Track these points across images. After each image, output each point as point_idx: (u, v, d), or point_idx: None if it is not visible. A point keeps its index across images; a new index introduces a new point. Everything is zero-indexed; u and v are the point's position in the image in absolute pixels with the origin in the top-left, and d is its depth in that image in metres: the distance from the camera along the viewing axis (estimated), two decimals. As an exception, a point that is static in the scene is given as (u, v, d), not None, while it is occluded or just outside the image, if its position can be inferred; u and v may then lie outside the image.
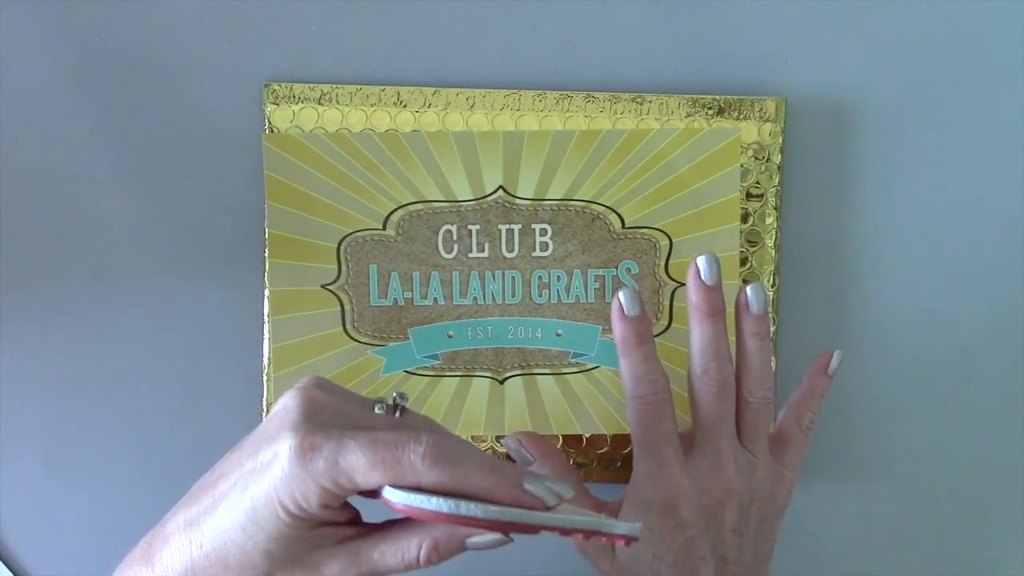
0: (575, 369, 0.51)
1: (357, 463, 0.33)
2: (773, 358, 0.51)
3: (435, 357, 0.50)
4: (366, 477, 0.33)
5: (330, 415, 0.35)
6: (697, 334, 0.45)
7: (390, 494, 0.33)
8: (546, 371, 0.51)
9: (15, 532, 0.52)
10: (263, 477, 0.33)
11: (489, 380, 0.50)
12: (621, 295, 0.45)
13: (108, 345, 0.51)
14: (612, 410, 0.50)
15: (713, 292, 0.45)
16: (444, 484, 0.33)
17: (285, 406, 0.35)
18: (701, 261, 0.45)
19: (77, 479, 0.52)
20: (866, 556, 0.53)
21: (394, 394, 0.38)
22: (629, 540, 0.35)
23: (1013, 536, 0.53)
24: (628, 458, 0.51)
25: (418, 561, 0.35)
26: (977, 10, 0.52)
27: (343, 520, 0.36)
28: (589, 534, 0.35)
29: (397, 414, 0.37)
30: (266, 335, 0.50)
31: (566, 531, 0.34)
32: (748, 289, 0.46)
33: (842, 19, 0.52)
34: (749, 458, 0.45)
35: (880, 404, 0.53)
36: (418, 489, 0.33)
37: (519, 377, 0.50)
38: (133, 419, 0.52)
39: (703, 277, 0.45)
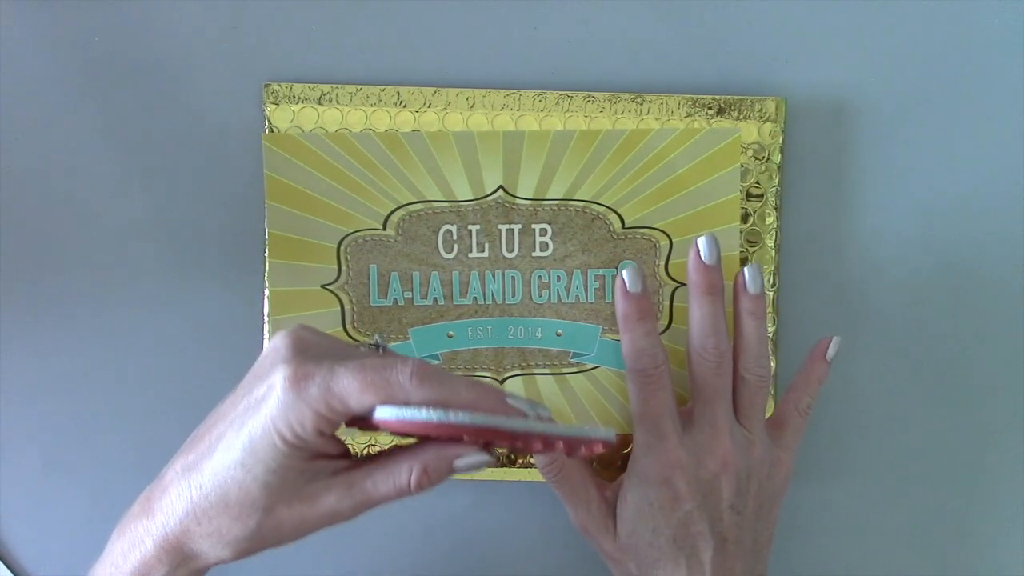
0: (575, 369, 0.51)
1: (349, 386, 0.34)
2: (773, 358, 0.51)
3: (435, 357, 0.50)
4: (358, 399, 0.35)
5: (318, 351, 0.36)
6: (696, 312, 0.46)
7: (383, 412, 0.35)
8: (546, 371, 0.51)
9: (15, 532, 0.52)
10: (259, 410, 0.35)
11: (489, 380, 0.50)
12: (624, 273, 0.47)
13: (108, 345, 0.51)
14: (612, 410, 0.50)
15: (712, 271, 0.46)
16: (432, 400, 0.35)
17: (275, 346, 0.37)
18: (701, 242, 0.46)
19: (77, 479, 0.52)
20: (865, 556, 0.53)
21: (375, 336, 0.41)
22: (606, 444, 0.37)
23: (1013, 536, 0.53)
24: (628, 459, 0.51)
25: (409, 486, 0.36)
26: (977, 10, 0.52)
27: (336, 453, 0.37)
28: (570, 443, 0.37)
29: (380, 352, 0.40)
30: (266, 335, 0.50)
31: (549, 440, 0.36)
32: (746, 270, 0.47)
33: (842, 19, 0.52)
34: (746, 434, 0.46)
35: (880, 404, 0.53)
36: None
37: (519, 377, 0.50)
38: (133, 419, 0.52)
39: (703, 257, 0.46)
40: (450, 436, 0.36)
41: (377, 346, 0.41)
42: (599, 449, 0.37)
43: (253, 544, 0.36)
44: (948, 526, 0.53)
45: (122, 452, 0.52)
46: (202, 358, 0.52)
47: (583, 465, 0.48)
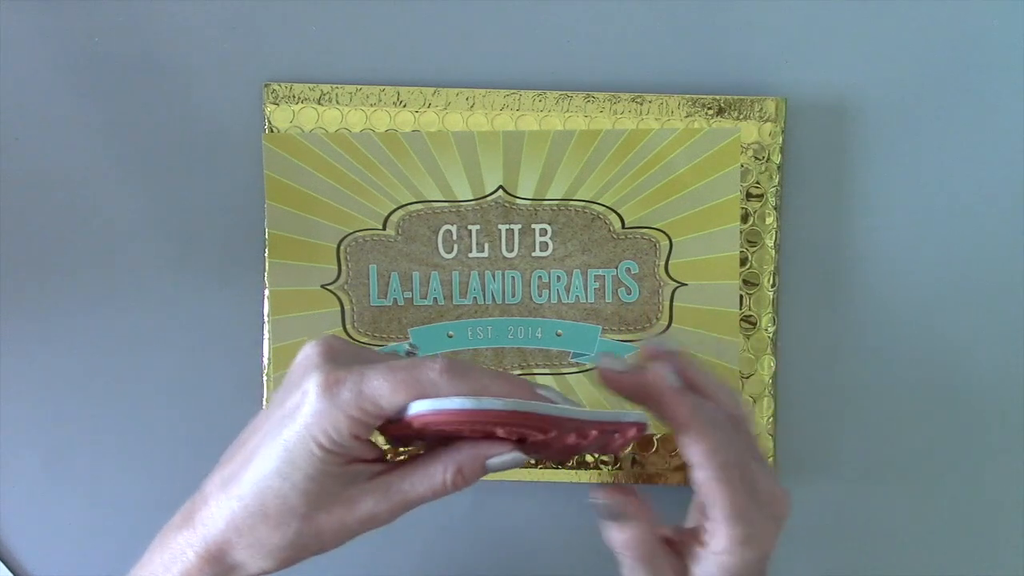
0: (575, 369, 0.51)
1: (380, 388, 0.35)
2: (773, 358, 0.51)
3: (435, 357, 0.50)
4: (390, 399, 0.35)
5: (348, 358, 0.37)
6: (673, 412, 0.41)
7: (417, 407, 0.35)
8: (546, 371, 0.51)
9: (15, 532, 0.52)
10: (294, 419, 0.35)
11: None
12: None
13: (108, 345, 0.51)
14: (612, 410, 0.50)
15: (633, 375, 0.41)
16: (463, 394, 0.35)
17: (306, 354, 0.37)
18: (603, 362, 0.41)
19: (77, 479, 0.52)
20: (865, 556, 0.53)
21: (407, 343, 0.42)
22: (640, 427, 0.37)
23: (1013, 536, 0.53)
24: (627, 459, 0.51)
25: (444, 486, 0.37)
26: (977, 10, 0.52)
27: (372, 457, 0.37)
28: (604, 428, 0.37)
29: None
30: (266, 335, 0.50)
31: (583, 429, 0.36)
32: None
33: (842, 19, 0.52)
34: None
35: (880, 404, 0.53)
36: None
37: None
38: (133, 419, 0.52)
39: (617, 370, 0.41)
40: (484, 428, 0.36)
41: (408, 354, 0.41)
42: (633, 434, 0.37)
43: (294, 553, 0.37)
44: (948, 526, 0.53)
45: (122, 452, 0.52)
46: (202, 358, 0.52)
47: (663, 548, 0.42)
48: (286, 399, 0.36)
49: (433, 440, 0.38)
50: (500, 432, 0.36)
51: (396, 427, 0.36)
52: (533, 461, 0.39)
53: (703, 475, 0.39)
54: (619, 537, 0.41)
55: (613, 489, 0.41)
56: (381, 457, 0.38)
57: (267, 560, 0.37)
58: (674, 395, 0.39)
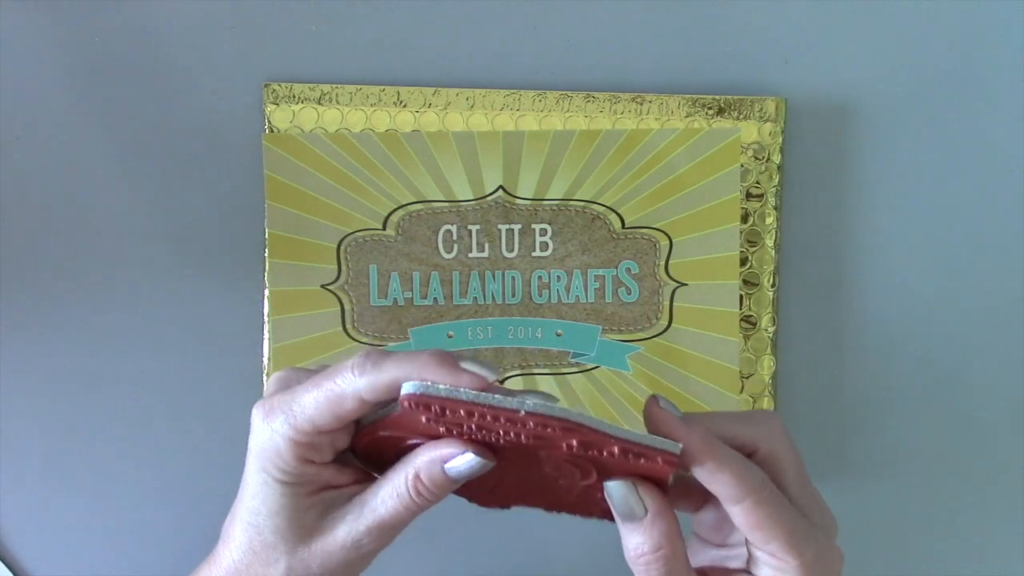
0: (575, 369, 0.51)
1: (307, 401, 0.33)
2: (773, 358, 0.51)
3: (435, 357, 0.50)
4: (318, 411, 0.33)
5: (296, 383, 0.35)
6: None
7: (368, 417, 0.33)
8: (546, 371, 0.51)
9: (15, 532, 0.52)
10: (247, 459, 0.34)
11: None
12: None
13: (108, 345, 0.51)
14: (612, 410, 0.50)
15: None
16: (377, 384, 0.32)
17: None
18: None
19: (77, 479, 0.52)
20: (865, 556, 0.53)
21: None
22: (671, 460, 0.29)
23: (1013, 536, 0.53)
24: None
25: (409, 495, 0.34)
26: (977, 10, 0.52)
27: (347, 482, 0.35)
28: (625, 446, 0.29)
29: None
30: (266, 335, 0.50)
31: (586, 435, 0.30)
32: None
33: (842, 19, 0.52)
34: None
35: (880, 404, 0.53)
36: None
37: (519, 377, 0.50)
38: (133, 419, 0.52)
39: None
40: (440, 429, 0.32)
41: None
42: (660, 466, 0.29)
43: None
44: (948, 526, 0.53)
45: (122, 452, 0.52)
46: (202, 358, 0.52)
47: (688, 565, 0.34)
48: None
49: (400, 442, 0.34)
50: (444, 430, 0.32)
51: (362, 445, 0.34)
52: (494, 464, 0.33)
53: (743, 506, 0.32)
54: (635, 541, 0.33)
55: (642, 484, 0.33)
56: (361, 479, 0.36)
57: None
58: (683, 425, 0.33)
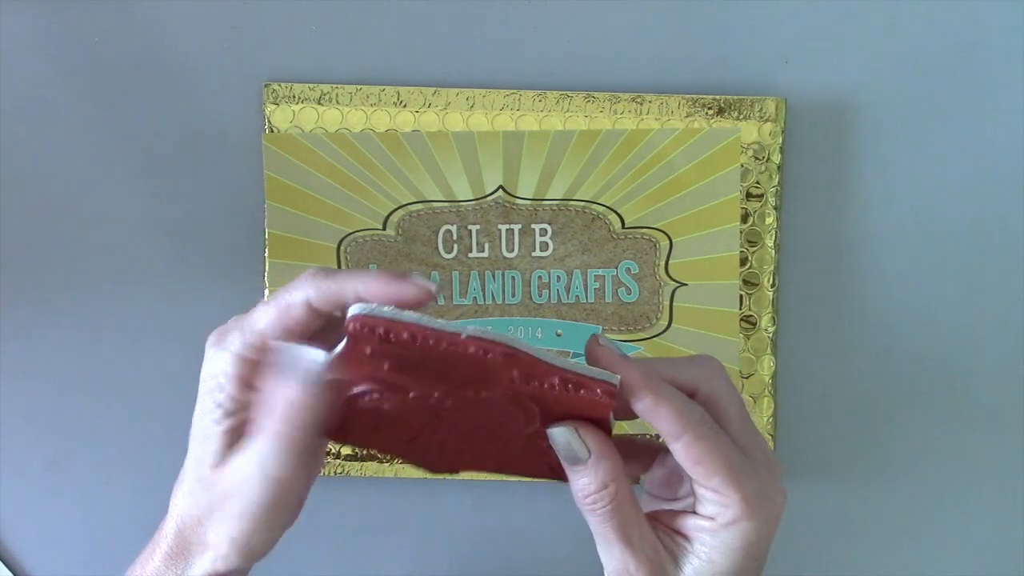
0: (575, 369, 0.51)
1: (257, 317, 0.35)
2: (773, 358, 0.51)
3: (435, 357, 0.50)
4: (267, 323, 0.34)
5: None
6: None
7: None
8: (546, 371, 0.51)
9: (15, 532, 0.52)
10: (198, 397, 0.37)
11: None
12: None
13: (108, 344, 0.51)
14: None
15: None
16: (327, 292, 0.33)
17: None
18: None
19: (77, 479, 0.52)
20: (865, 556, 0.53)
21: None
22: (609, 390, 0.30)
23: (1013, 536, 0.53)
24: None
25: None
26: (977, 10, 0.52)
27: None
28: (565, 375, 0.30)
29: None
30: (266, 335, 0.50)
31: (513, 356, 0.30)
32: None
33: (842, 19, 0.52)
34: None
35: (880, 404, 0.53)
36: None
37: (519, 377, 0.50)
38: (133, 419, 0.52)
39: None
40: (384, 365, 0.31)
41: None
42: (599, 396, 0.30)
43: (250, 525, 0.36)
44: (948, 526, 0.53)
45: (122, 452, 0.52)
46: (202, 358, 0.52)
47: (641, 511, 0.35)
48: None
49: (368, 420, 0.33)
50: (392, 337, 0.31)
51: (335, 427, 0.33)
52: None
53: (683, 441, 0.33)
54: (581, 482, 0.33)
55: (583, 426, 0.33)
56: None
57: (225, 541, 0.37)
58: (623, 360, 0.33)
